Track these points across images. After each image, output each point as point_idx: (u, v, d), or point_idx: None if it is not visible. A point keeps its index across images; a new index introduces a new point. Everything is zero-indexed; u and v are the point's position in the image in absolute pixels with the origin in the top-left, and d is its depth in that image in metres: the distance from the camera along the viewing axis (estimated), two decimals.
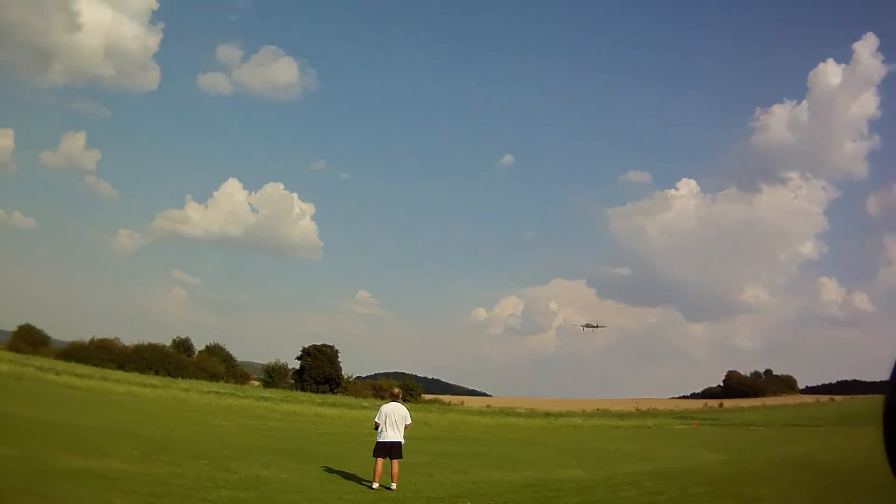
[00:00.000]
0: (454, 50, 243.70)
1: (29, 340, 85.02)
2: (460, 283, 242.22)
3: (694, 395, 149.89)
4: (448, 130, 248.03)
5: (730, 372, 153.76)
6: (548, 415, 78.12)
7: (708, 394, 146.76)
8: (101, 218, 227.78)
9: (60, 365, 65.73)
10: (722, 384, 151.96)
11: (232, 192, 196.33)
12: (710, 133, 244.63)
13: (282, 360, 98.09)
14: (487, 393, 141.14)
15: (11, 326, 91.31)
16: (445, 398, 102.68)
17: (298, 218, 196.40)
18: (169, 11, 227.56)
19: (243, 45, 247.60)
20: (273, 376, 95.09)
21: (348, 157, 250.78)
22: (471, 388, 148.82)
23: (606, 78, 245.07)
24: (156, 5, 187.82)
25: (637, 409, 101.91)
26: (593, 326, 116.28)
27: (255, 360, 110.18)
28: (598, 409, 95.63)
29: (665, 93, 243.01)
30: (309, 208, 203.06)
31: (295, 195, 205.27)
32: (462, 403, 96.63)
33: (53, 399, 35.58)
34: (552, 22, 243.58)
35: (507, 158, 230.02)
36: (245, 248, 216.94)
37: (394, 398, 17.12)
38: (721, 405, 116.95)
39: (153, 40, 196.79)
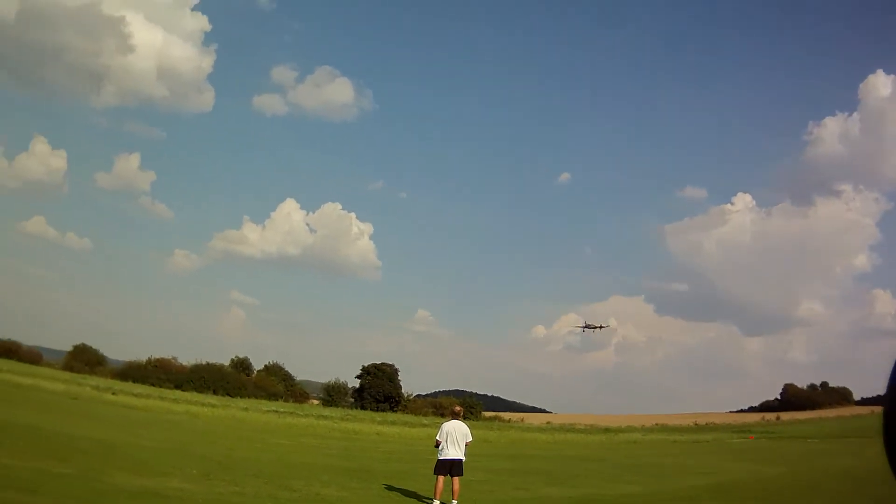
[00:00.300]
0: (510, 69, 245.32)
1: (85, 360, 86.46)
2: (519, 301, 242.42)
3: (751, 409, 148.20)
4: (505, 149, 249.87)
5: (786, 385, 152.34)
6: (607, 430, 78.22)
7: (765, 407, 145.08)
8: (157, 238, 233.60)
9: (117, 384, 67.01)
10: (779, 397, 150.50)
11: (289, 212, 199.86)
12: (765, 147, 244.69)
13: (341, 379, 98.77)
14: (547, 410, 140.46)
15: (67, 346, 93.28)
16: (506, 415, 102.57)
17: (357, 238, 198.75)
18: (222, 33, 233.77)
19: (298, 66, 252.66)
20: (333, 395, 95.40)
21: (406, 176, 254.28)
22: (531, 404, 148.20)
23: (660, 93, 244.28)
24: (208, 27, 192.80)
25: (695, 424, 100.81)
26: (594, 327, 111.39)
27: (314, 379, 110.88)
28: (657, 424, 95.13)
29: (719, 107, 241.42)
30: (367, 228, 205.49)
31: (353, 215, 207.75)
32: (522, 420, 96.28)
33: (111, 418, 36.15)
34: (603, 40, 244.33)
35: (565, 176, 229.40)
36: (303, 267, 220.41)
37: (455, 416, 17.35)
38: (778, 418, 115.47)
39: (207, 62, 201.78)
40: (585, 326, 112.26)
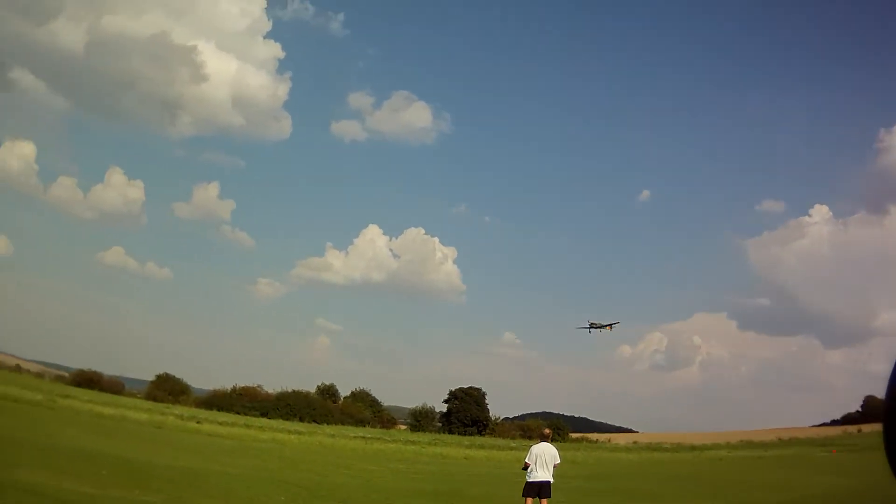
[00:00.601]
0: (587, 88, 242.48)
1: (168, 389, 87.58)
2: (605, 321, 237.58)
3: (833, 422, 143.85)
4: (585, 169, 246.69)
5: (867, 397, 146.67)
6: (693, 448, 77.32)
7: (847, 419, 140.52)
8: (239, 267, 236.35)
9: (202, 413, 67.60)
10: (860, 409, 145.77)
11: (373, 238, 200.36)
12: (838, 157, 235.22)
13: (429, 404, 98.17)
14: (634, 429, 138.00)
15: (149, 376, 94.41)
16: (592, 436, 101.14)
17: (441, 262, 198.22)
18: (296, 60, 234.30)
19: (374, 92, 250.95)
20: (420, 420, 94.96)
21: (488, 199, 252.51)
22: (617, 424, 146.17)
23: (734, 107, 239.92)
24: (282, 54, 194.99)
25: (779, 439, 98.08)
26: (601, 326, 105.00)
27: (401, 405, 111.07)
28: (741, 441, 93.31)
29: (792, 118, 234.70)
30: (451, 252, 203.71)
31: (436, 239, 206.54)
32: (609, 441, 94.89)
33: (196, 447, 36.16)
34: (677, 59, 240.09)
35: (645, 194, 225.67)
36: (388, 293, 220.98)
37: (544, 438, 17.93)
38: (859, 430, 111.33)
39: (282, 89, 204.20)
40: (591, 326, 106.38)
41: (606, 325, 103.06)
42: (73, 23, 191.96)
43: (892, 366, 3.01)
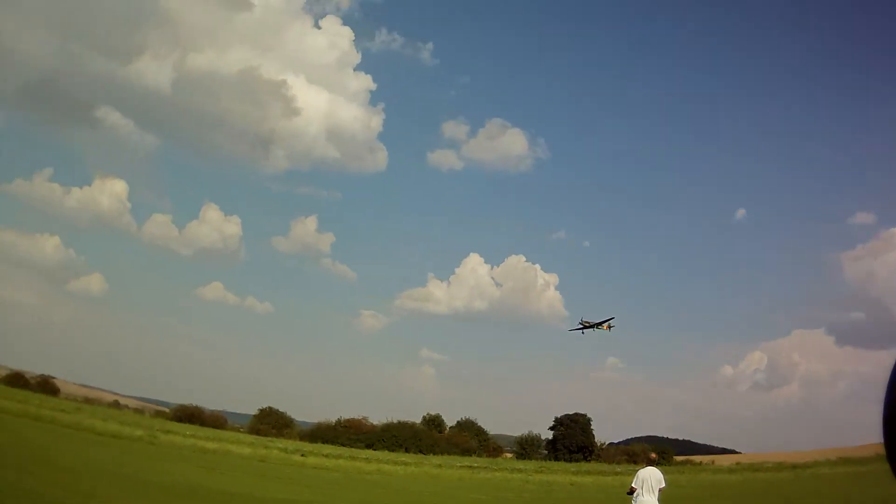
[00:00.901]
0: (680, 107, 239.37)
1: (271, 423, 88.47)
2: (705, 343, 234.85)
3: None
4: (679, 190, 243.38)
5: None
6: (794, 467, 75.76)
7: None
8: (341, 299, 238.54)
9: (306, 446, 67.86)
10: None
11: (474, 266, 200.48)
12: None
13: (534, 432, 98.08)
14: (736, 450, 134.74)
15: (252, 410, 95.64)
16: (696, 458, 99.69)
17: (543, 289, 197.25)
18: (387, 92, 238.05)
19: (468, 120, 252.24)
20: (526, 448, 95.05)
21: (586, 224, 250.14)
22: (720, 446, 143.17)
23: (822, 120, 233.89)
24: (373, 86, 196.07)
25: (877, 454, 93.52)
26: (593, 326, 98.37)
27: (507, 433, 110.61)
28: (840, 457, 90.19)
29: (881, 128, 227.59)
30: (552, 279, 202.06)
31: (537, 266, 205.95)
32: (712, 462, 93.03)
33: (301, 480, 36.06)
34: (765, 78, 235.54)
35: (741, 213, 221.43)
36: (491, 322, 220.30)
37: (650, 462, 18.21)
38: None
39: (376, 121, 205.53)
40: (584, 327, 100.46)
41: (602, 324, 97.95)
42: (158, 61, 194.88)
43: (893, 366, 3.07)
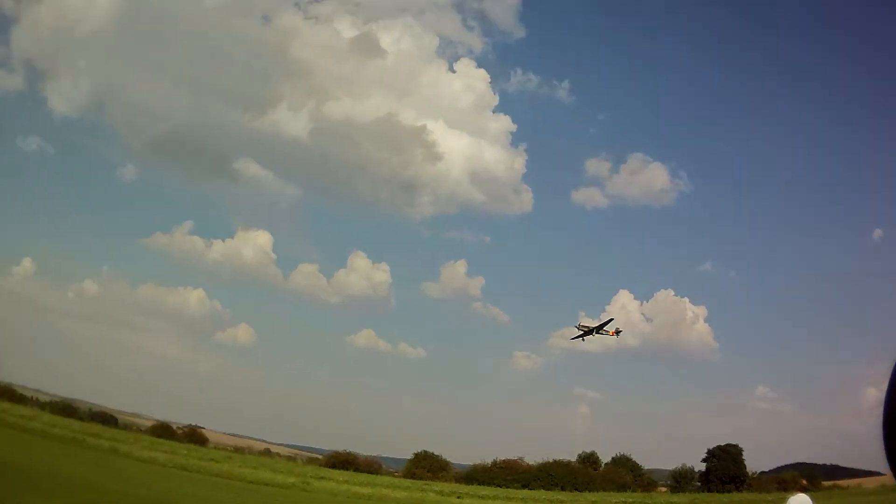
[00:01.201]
0: (811, 128, 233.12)
1: (427, 466, 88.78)
2: (851, 367, 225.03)
3: None
4: (820, 212, 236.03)
5: None
6: None
7: None
8: (494, 342, 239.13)
9: (462, 488, 67.94)
10: None
11: (624, 303, 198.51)
12: None
13: (688, 464, 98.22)
14: (881, 472, 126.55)
15: (406, 455, 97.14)
16: (843, 482, 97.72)
17: (692, 322, 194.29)
18: (527, 132, 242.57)
19: (610, 156, 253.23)
20: (680, 481, 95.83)
21: (731, 254, 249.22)
22: (866, 469, 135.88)
23: None
24: (513, 127, 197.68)
25: None
26: (595, 330, 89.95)
27: (662, 467, 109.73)
28: None
29: None
30: (701, 311, 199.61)
31: (686, 300, 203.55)
32: (859, 485, 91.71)
33: None
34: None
35: (877, 233, 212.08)
36: (643, 358, 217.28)
37: (802, 489, 18.88)
38: None
39: (518, 162, 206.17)
40: (584, 333, 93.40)
41: (603, 329, 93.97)
42: (294, 111, 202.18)
43: (893, 366, 3.23)
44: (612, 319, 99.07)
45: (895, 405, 3.01)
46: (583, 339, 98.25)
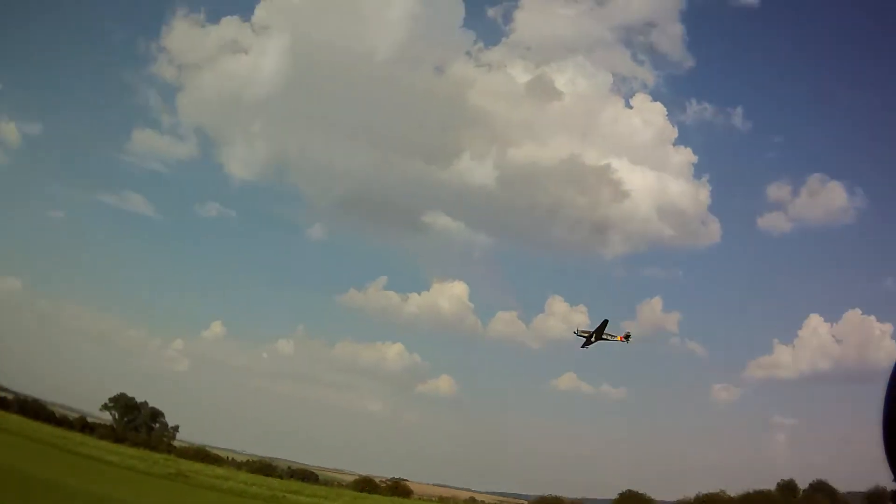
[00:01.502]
0: None
1: None
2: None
3: None
4: None
5: None
6: None
7: None
8: (694, 376, 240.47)
9: None
10: None
11: (815, 326, 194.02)
12: None
13: (881, 485, 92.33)
14: None
15: (612, 495, 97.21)
16: None
17: (880, 340, 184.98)
18: (708, 162, 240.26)
19: (790, 180, 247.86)
20: (875, 502, 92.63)
21: None
22: None
23: None
24: (694, 158, 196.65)
25: None
26: (596, 335, 78.74)
27: (859, 489, 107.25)
28: None
29: None
30: (887, 328, 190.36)
31: (872, 318, 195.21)
32: None
33: None
34: None
35: None
36: (834, 381, 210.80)
37: None
38: None
39: (703, 193, 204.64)
40: (587, 341, 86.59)
41: (613, 336, 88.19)
42: (478, 160, 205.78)
43: (893, 366, 3.41)
44: (606, 321, 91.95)
45: (895, 406, 2.88)
46: (585, 347, 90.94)
